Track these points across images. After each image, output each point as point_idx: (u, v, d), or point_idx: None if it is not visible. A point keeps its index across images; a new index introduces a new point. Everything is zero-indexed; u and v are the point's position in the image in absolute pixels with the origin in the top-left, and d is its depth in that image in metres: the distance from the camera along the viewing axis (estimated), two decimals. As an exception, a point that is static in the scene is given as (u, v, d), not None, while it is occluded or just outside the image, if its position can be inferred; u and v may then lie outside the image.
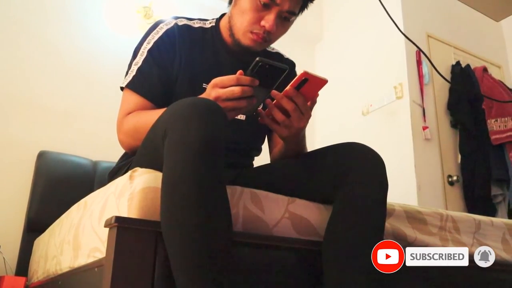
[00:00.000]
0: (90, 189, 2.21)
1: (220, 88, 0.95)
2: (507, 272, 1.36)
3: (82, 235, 1.09)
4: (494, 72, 3.21)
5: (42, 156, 2.25)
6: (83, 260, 1.05)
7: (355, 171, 1.02)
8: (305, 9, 1.26)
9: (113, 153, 2.39)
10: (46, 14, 2.59)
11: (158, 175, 0.91)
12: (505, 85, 3.10)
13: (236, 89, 0.93)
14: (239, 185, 1.04)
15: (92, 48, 2.68)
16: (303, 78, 0.96)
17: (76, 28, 2.67)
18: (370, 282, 0.94)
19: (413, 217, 1.24)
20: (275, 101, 1.01)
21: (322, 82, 0.98)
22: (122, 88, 1.24)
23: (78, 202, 1.28)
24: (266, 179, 1.17)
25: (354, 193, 1.00)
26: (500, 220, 1.43)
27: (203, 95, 0.98)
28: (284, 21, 1.21)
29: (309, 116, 1.04)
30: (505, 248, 1.38)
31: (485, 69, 3.03)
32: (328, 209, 1.11)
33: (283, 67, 0.96)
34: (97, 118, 2.55)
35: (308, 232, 1.07)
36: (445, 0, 3.25)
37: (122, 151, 1.31)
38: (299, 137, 1.13)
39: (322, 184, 1.08)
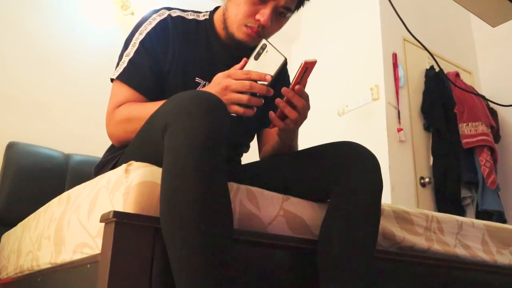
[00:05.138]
0: (62, 183, 2.15)
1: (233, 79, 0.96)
2: (486, 272, 1.39)
3: (66, 230, 1.04)
4: (465, 78, 3.30)
5: (11, 148, 2.15)
6: (67, 256, 1.00)
7: (351, 170, 1.02)
8: (301, 6, 1.25)
9: (86, 146, 2.33)
10: (19, 1, 2.48)
11: (155, 169, 0.88)
12: (475, 90, 3.20)
13: (247, 83, 0.95)
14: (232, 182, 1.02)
15: (67, 38, 2.59)
16: (306, 68, 0.95)
17: (51, 17, 2.57)
18: (366, 281, 0.94)
19: (401, 217, 1.25)
20: (285, 98, 1.00)
21: (313, 64, 0.98)
22: (112, 80, 1.19)
23: (59, 196, 1.23)
24: (259, 176, 1.15)
25: (349, 192, 1.00)
26: (481, 221, 1.46)
27: (211, 85, 0.97)
28: (280, 17, 1.20)
29: (309, 108, 1.04)
30: (484, 249, 1.42)
31: (457, 75, 3.11)
32: (321, 208, 1.10)
33: (283, 57, 0.98)
34: (70, 109, 2.47)
35: (302, 230, 1.06)
36: (421, 5, 3.31)
37: (95, 144, 1.27)
38: (295, 133, 1.12)
39: (317, 182, 1.07)
